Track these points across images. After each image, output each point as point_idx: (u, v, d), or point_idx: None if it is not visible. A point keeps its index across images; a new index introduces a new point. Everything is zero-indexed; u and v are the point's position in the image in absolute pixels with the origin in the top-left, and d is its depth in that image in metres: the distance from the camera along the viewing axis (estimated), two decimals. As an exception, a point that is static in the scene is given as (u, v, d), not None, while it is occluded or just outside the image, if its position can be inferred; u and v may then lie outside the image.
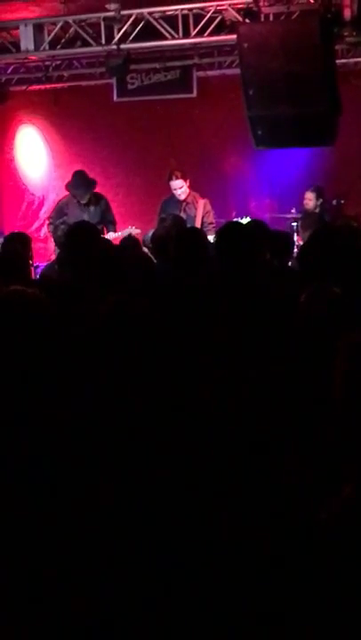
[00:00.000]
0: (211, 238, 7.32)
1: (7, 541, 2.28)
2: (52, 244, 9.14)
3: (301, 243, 8.25)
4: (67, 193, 8.97)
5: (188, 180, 8.68)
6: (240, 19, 7.74)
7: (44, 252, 9.98)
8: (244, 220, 7.80)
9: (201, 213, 8.62)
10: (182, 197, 8.66)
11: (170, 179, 8.71)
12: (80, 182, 8.86)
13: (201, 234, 5.48)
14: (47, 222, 9.56)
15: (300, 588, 2.14)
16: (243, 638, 2.28)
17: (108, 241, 6.61)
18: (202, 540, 2.33)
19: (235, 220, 8.13)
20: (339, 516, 2.04)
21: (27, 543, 2.28)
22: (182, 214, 8.25)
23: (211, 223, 8.62)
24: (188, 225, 7.64)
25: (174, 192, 8.71)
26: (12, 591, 2.27)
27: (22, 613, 2.26)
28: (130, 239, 6.88)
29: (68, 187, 8.95)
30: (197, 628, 2.26)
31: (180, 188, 8.65)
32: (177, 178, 8.66)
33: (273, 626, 2.27)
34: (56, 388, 2.59)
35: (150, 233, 6.60)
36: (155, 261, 5.73)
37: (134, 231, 8.54)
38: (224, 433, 2.72)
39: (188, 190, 8.68)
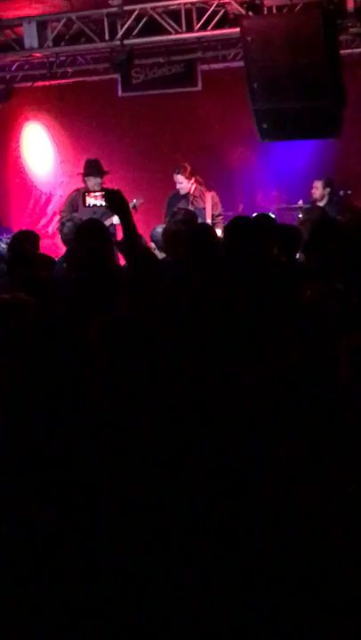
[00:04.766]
0: (220, 231, 7.35)
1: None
2: (60, 241, 9.18)
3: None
4: (75, 187, 9.04)
5: (193, 178, 8.77)
6: (243, 12, 7.73)
7: (52, 249, 9.99)
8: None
9: (210, 206, 8.67)
10: (182, 192, 8.83)
11: (175, 173, 8.83)
12: (91, 167, 8.94)
13: (211, 231, 5.49)
14: (58, 217, 9.59)
15: (302, 587, 2.16)
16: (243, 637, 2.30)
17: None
18: (202, 539, 2.35)
19: (242, 215, 8.14)
20: (340, 515, 2.07)
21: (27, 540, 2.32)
22: (190, 207, 8.28)
23: (219, 215, 8.69)
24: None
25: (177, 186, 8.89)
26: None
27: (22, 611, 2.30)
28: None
29: (82, 175, 9.01)
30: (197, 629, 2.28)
31: (181, 183, 8.83)
32: (178, 174, 8.84)
33: (274, 626, 2.28)
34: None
35: (158, 228, 6.55)
36: (163, 257, 5.74)
37: (138, 202, 8.52)
38: (229, 431, 2.73)
39: (188, 187, 8.82)
